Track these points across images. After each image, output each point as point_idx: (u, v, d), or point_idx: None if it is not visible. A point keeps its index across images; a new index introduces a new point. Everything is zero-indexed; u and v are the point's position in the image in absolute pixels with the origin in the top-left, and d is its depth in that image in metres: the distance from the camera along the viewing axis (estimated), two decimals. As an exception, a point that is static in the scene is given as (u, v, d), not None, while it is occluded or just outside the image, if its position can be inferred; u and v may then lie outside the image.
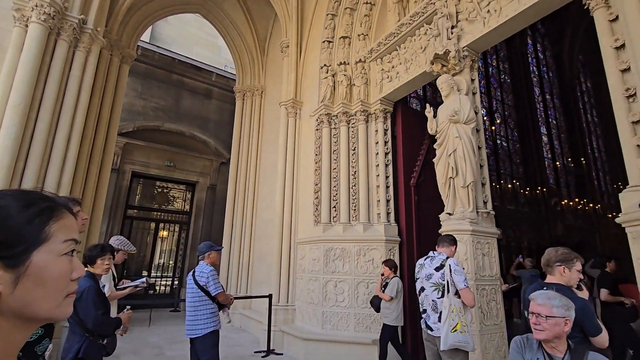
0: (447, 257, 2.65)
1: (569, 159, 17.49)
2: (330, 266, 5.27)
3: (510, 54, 16.86)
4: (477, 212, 3.86)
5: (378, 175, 5.61)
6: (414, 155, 5.96)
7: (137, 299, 9.15)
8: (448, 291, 2.51)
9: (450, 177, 3.91)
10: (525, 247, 13.48)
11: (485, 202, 4.04)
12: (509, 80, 16.52)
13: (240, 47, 9.16)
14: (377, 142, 5.76)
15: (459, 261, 2.64)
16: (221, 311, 3.23)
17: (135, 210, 10.04)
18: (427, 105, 4.39)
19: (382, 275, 4.48)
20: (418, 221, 5.62)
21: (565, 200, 15.40)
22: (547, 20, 18.68)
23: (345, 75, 6.09)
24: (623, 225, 2.70)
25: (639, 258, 2.55)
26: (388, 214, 5.47)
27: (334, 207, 5.66)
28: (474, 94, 4.34)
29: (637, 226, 2.57)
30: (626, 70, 2.89)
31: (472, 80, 4.42)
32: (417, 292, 2.82)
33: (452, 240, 2.80)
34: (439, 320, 2.53)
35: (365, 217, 5.47)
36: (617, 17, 3.00)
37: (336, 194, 5.70)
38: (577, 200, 15.65)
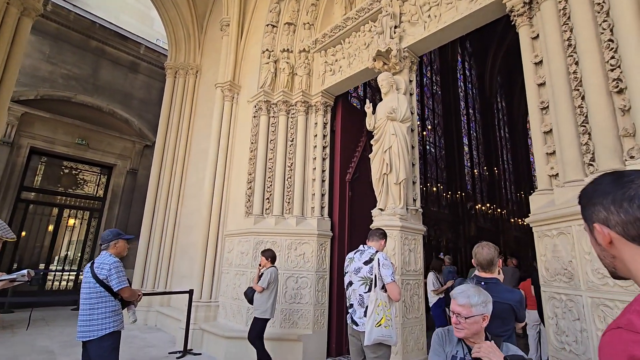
0: (376, 251, 2.62)
1: (484, 168, 19.59)
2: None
3: (443, 68, 18.25)
4: (407, 209, 3.96)
5: (314, 168, 5.52)
6: (351, 151, 6.00)
7: (29, 295, 7.83)
8: (375, 285, 2.48)
9: (385, 173, 3.95)
10: (444, 246, 14.73)
11: (414, 200, 4.18)
12: (439, 92, 17.86)
13: (175, 20, 8.33)
14: (315, 135, 5.66)
15: (387, 256, 2.63)
16: (126, 309, 2.80)
17: (34, 193, 8.57)
18: (367, 101, 4.39)
19: (260, 265, 4.21)
20: (351, 217, 5.67)
21: (479, 205, 17.19)
22: (474, 41, 20.64)
23: (287, 63, 5.86)
24: (531, 225, 2.95)
25: (543, 255, 2.80)
26: (322, 208, 5.41)
27: (267, 198, 5.42)
28: (411, 94, 4.46)
29: (543, 226, 2.81)
30: (542, 84, 3.16)
31: (410, 81, 4.54)
32: (345, 287, 2.76)
33: (382, 235, 2.78)
34: (365, 315, 2.49)
35: (299, 210, 5.34)
36: (537, 35, 3.27)
37: (270, 185, 5.47)
38: (488, 205, 17.56)
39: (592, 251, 2.32)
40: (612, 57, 2.41)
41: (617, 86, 2.36)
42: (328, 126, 5.77)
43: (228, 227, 5.78)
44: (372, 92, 12.22)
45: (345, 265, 2.77)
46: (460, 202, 15.82)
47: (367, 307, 2.49)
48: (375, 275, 2.49)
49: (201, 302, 5.46)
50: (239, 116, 6.26)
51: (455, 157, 16.80)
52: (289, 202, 5.41)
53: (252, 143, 5.71)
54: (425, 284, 7.63)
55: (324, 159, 5.60)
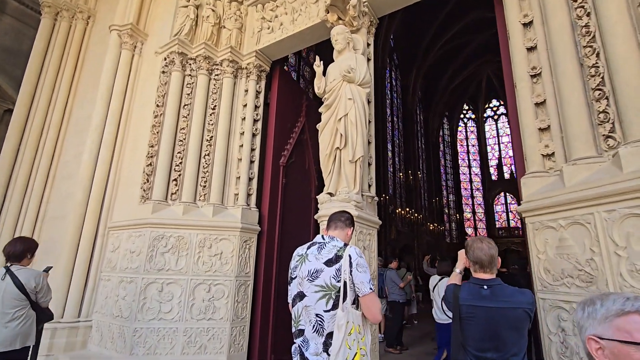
0: (345, 245, 1.67)
1: (402, 174, 20.45)
2: (157, 261, 3.65)
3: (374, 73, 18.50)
4: (362, 195, 3.12)
5: (242, 145, 4.36)
6: (287, 131, 5.00)
7: None
8: (344, 299, 1.52)
9: (337, 148, 3.04)
10: (367, 248, 14.62)
11: (370, 186, 3.36)
12: (369, 96, 18.02)
13: (60, -56, 6.25)
14: (245, 105, 4.50)
15: (361, 251, 1.69)
16: None
17: None
18: (317, 58, 3.46)
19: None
20: (283, 208, 4.64)
21: (399, 209, 17.71)
22: (401, 55, 21.60)
23: (213, 11, 4.59)
24: (524, 215, 2.34)
25: (540, 253, 2.19)
26: (249, 195, 4.26)
27: (175, 180, 4.06)
28: (368, 60, 3.67)
29: (540, 215, 2.21)
30: (532, 48, 2.64)
31: (368, 44, 3.76)
32: (290, 302, 1.73)
33: (349, 220, 1.84)
34: (325, 350, 1.50)
35: (218, 197, 4.11)
36: None
37: (180, 163, 4.12)
38: (407, 209, 18.24)
39: (630, 245, 1.72)
40: (651, -2, 1.89)
41: (659, 33, 1.84)
42: (262, 96, 4.67)
43: (114, 218, 4.22)
44: (304, 64, 11.40)
45: (292, 266, 1.75)
46: (383, 206, 16.01)
47: (329, 334, 1.51)
48: (345, 283, 1.53)
49: (63, 322, 3.80)
50: (142, 71, 4.74)
51: (380, 160, 17.06)
52: (204, 186, 4.13)
53: (157, 106, 4.28)
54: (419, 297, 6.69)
55: (254, 135, 4.47)
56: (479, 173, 27.60)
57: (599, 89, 2.10)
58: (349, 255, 1.59)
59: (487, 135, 27.64)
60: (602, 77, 2.10)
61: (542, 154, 2.43)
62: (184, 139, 4.20)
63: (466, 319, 1.67)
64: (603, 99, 2.07)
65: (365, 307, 1.56)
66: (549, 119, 2.45)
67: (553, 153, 2.38)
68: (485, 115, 27.89)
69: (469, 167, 28.09)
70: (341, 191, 2.96)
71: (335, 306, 1.53)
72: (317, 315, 1.56)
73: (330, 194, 3.04)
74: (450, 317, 3.62)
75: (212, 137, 4.30)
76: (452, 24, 19.57)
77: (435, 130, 27.05)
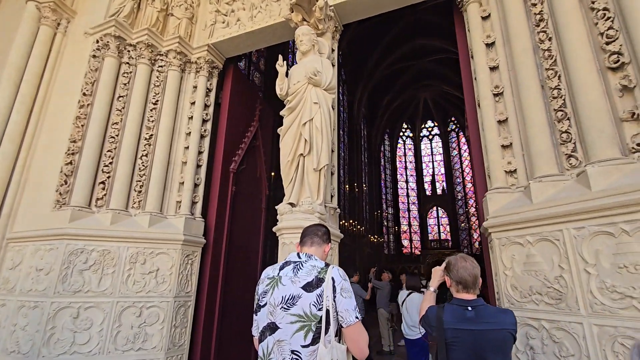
0: (326, 265, 1.42)
1: (347, 187, 20.84)
2: (74, 281, 2.99)
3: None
4: (325, 206, 2.90)
5: (188, 147, 3.88)
6: (239, 134, 4.63)
7: None
8: (327, 330, 1.26)
9: (301, 155, 2.80)
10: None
11: (332, 197, 3.17)
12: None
13: None
14: (193, 103, 4.05)
15: (343, 272, 1.45)
16: None
17: None
18: (280, 57, 3.20)
19: None
20: (232, 219, 4.23)
21: (343, 221, 17.90)
22: (348, 72, 22.30)
23: (161, -4, 4.10)
24: (490, 231, 2.33)
25: (507, 269, 2.18)
26: (194, 203, 3.79)
27: (103, 183, 3.43)
28: (333, 66, 3.53)
29: (508, 231, 2.21)
30: (494, 68, 2.72)
31: (333, 50, 3.63)
32: (257, 335, 1.42)
33: (326, 235, 1.60)
34: (302, 397, 1.22)
35: (157, 204, 3.57)
36: (489, 15, 2.86)
37: (110, 163, 3.51)
38: (351, 221, 18.52)
39: (600, 262, 1.75)
40: (610, 28, 2.02)
41: (618, 61, 1.95)
42: (212, 95, 4.26)
43: (17, 227, 3.42)
44: (254, 69, 11.02)
45: (260, 291, 1.44)
46: (328, 217, 16.02)
47: (306, 377, 1.24)
48: (328, 311, 1.28)
49: None
50: (67, 53, 4.02)
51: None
52: (139, 192, 3.56)
53: (84, 95, 3.63)
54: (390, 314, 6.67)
55: (202, 137, 4.03)
56: (415, 188, 29.37)
57: (561, 110, 2.18)
58: (332, 278, 1.35)
59: (423, 153, 29.66)
60: (564, 99, 2.19)
61: (505, 170, 2.47)
62: (117, 135, 3.60)
63: (451, 344, 1.53)
64: (565, 120, 2.15)
65: (350, 339, 1.32)
66: (511, 137, 2.51)
67: (515, 170, 2.43)
68: (421, 134, 29.94)
69: (407, 182, 29.76)
70: (304, 201, 2.71)
71: (315, 340, 1.27)
72: (293, 351, 1.27)
73: (292, 204, 2.77)
74: (419, 332, 3.63)
75: (151, 135, 3.76)
76: (397, 48, 20.80)
77: (377, 146, 28.28)
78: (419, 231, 28.19)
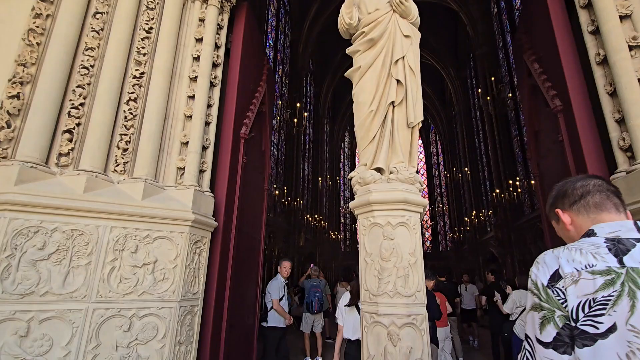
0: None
1: (311, 180, 20.13)
2: (22, 278, 1.87)
3: (292, 73, 17.82)
4: (410, 178, 2.15)
5: (193, 97, 2.85)
6: (248, 95, 3.67)
7: None
8: None
9: (392, 103, 2.01)
10: (275, 256, 13.47)
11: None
12: (287, 95, 17.22)
13: None
14: (199, 39, 3.02)
15: None
16: None
17: None
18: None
19: None
20: (241, 199, 3.28)
21: (308, 215, 17.15)
22: (315, 64, 21.58)
23: None
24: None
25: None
26: (201, 172, 2.78)
27: (69, 131, 2.30)
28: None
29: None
30: (627, 16, 2.19)
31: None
32: None
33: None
34: None
35: (151, 169, 2.51)
36: None
37: (82, 104, 2.38)
38: (315, 216, 17.83)
39: None
40: None
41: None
42: (223, 35, 3.25)
43: None
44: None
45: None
46: (295, 210, 15.19)
47: None
48: None
49: None
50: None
51: (293, 163, 16.26)
52: (125, 150, 2.47)
53: (42, 1, 2.43)
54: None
55: (212, 85, 3.01)
56: (373, 186, 29.59)
57: None
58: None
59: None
60: None
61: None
62: (92, 66, 2.47)
63: None
64: None
65: None
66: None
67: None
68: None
69: (365, 179, 29.88)
70: (398, 167, 1.92)
71: None
72: None
73: (379, 170, 1.97)
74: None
75: (143, 73, 2.67)
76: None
77: (338, 142, 27.98)
78: (374, 229, 28.41)
